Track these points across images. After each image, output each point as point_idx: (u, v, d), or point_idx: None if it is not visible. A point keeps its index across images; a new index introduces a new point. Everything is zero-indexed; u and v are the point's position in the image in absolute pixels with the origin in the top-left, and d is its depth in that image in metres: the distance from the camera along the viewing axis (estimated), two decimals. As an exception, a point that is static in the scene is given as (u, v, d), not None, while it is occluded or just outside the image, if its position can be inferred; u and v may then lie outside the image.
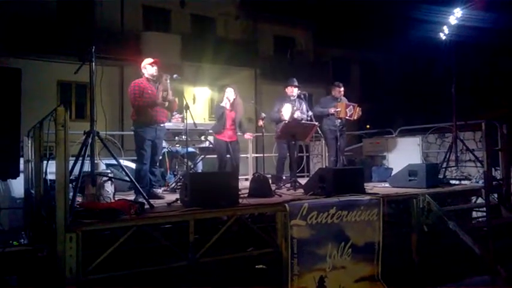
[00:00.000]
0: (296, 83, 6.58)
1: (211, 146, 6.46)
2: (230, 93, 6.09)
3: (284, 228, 4.15)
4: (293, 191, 5.58)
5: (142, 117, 4.97)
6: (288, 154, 6.45)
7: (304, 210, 4.19)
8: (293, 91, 6.54)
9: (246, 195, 4.79)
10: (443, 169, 6.63)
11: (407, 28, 15.46)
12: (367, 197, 4.65)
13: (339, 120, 6.85)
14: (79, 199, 3.92)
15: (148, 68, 5.07)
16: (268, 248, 4.23)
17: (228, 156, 6.08)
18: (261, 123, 6.24)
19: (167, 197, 5.01)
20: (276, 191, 5.29)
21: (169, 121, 6.19)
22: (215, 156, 6.33)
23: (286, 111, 6.31)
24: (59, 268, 3.23)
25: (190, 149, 6.32)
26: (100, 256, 3.41)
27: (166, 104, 5.07)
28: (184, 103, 5.28)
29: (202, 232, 4.12)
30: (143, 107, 4.94)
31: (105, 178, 4.12)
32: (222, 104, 6.07)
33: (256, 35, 18.04)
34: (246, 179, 6.94)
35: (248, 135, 6.49)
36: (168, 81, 5.06)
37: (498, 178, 6.30)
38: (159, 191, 5.31)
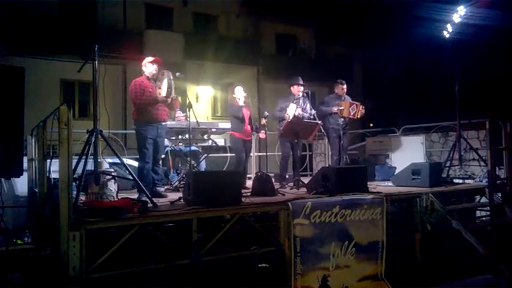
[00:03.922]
0: (301, 82, 6.53)
1: (214, 144, 6.46)
2: (241, 92, 6.11)
3: (287, 227, 4.14)
4: (296, 190, 5.57)
5: (143, 115, 4.96)
6: (291, 153, 6.44)
7: (307, 209, 4.18)
8: (299, 90, 6.47)
9: (249, 194, 4.79)
10: (447, 168, 6.61)
11: (411, 26, 15.42)
12: (371, 196, 4.64)
13: (342, 119, 6.83)
14: (82, 198, 3.93)
15: (148, 66, 5.06)
16: (271, 247, 4.23)
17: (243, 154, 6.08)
18: (263, 121, 6.23)
19: (170, 195, 5.01)
20: (279, 189, 5.28)
21: (173, 119, 6.19)
22: (218, 154, 6.32)
23: (291, 111, 6.27)
24: (63, 266, 3.24)
25: (193, 148, 6.32)
26: (103, 255, 3.41)
27: (169, 100, 5.03)
28: (187, 102, 5.27)
29: (206, 231, 4.12)
30: (144, 105, 4.93)
31: (108, 177, 4.13)
32: (240, 104, 6.07)
33: (258, 33, 18.01)
34: (249, 178, 6.93)
35: (263, 134, 6.34)
36: (166, 78, 4.98)
37: (502, 177, 6.28)
38: (162, 189, 5.31)
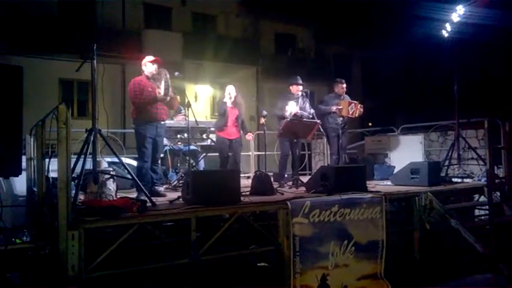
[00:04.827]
0: (301, 81, 6.54)
1: (213, 144, 6.45)
2: (231, 90, 6.14)
3: (286, 226, 4.14)
4: (295, 189, 5.57)
5: (142, 115, 4.96)
6: (290, 152, 6.44)
7: (306, 208, 4.18)
8: (299, 89, 6.49)
9: (247, 193, 4.79)
10: (446, 167, 6.61)
11: (409, 25, 15.42)
12: (369, 195, 4.64)
13: (341, 118, 6.82)
14: (81, 197, 3.93)
15: (148, 65, 5.06)
16: (270, 246, 4.23)
17: (230, 153, 6.08)
18: (262, 121, 6.22)
19: (169, 194, 5.01)
20: (278, 189, 5.28)
21: (172, 119, 6.18)
22: (217, 154, 6.31)
23: (291, 109, 6.28)
24: (61, 266, 3.24)
25: (192, 147, 6.32)
26: (102, 254, 3.41)
27: (168, 98, 5.04)
28: (186, 101, 5.27)
29: (205, 230, 4.12)
30: (144, 104, 4.93)
31: (107, 176, 4.12)
32: (224, 100, 6.09)
33: (257, 33, 18.01)
34: (248, 177, 6.93)
35: (249, 136, 6.44)
36: (163, 77, 5.01)
37: (500, 176, 6.28)
38: (161, 188, 5.31)
